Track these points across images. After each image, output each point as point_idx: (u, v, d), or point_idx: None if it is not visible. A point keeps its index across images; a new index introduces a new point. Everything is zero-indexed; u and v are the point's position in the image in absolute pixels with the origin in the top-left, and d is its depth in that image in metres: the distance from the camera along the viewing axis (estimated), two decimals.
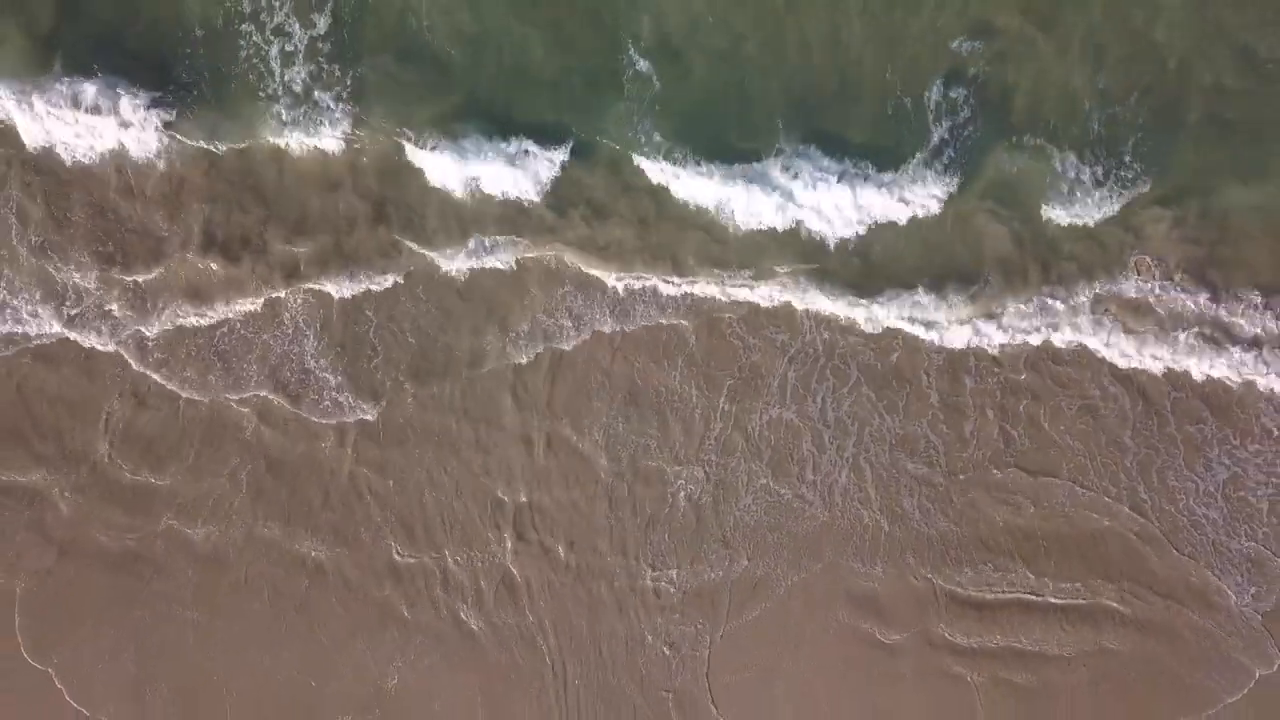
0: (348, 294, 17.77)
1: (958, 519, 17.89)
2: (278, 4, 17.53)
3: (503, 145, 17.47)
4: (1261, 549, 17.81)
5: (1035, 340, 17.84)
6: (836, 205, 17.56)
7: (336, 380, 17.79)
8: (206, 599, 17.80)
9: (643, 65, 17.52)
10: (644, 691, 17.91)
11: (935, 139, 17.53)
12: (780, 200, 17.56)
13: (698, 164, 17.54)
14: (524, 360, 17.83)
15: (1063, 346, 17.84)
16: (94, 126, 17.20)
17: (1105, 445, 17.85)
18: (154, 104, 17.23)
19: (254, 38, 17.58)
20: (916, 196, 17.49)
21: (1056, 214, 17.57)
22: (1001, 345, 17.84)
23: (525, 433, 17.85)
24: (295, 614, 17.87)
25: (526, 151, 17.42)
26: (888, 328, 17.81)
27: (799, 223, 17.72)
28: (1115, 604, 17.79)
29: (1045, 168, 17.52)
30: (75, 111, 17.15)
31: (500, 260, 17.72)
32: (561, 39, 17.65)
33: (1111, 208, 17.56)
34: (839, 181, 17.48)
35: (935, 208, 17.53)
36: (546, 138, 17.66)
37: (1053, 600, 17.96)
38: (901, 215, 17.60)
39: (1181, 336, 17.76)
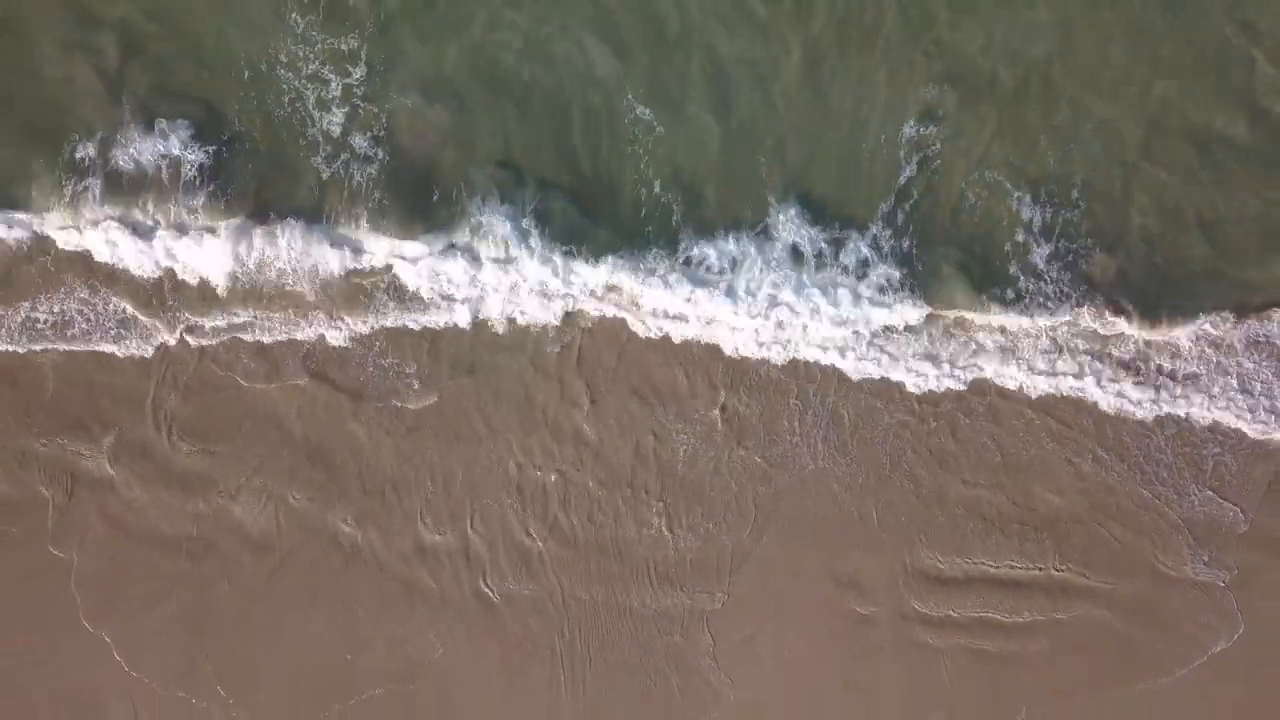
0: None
1: (927, 503, 20.06)
2: None
3: None
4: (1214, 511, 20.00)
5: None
6: None
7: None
8: (252, 578, 19.81)
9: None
10: (647, 658, 19.97)
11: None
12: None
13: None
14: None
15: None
16: None
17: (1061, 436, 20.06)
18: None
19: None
20: None
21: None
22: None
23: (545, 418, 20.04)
24: (332, 591, 19.90)
25: None
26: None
27: None
28: (1073, 577, 19.91)
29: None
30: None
31: None
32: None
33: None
34: None
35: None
36: None
37: (1014, 575, 20.09)
38: None
39: None
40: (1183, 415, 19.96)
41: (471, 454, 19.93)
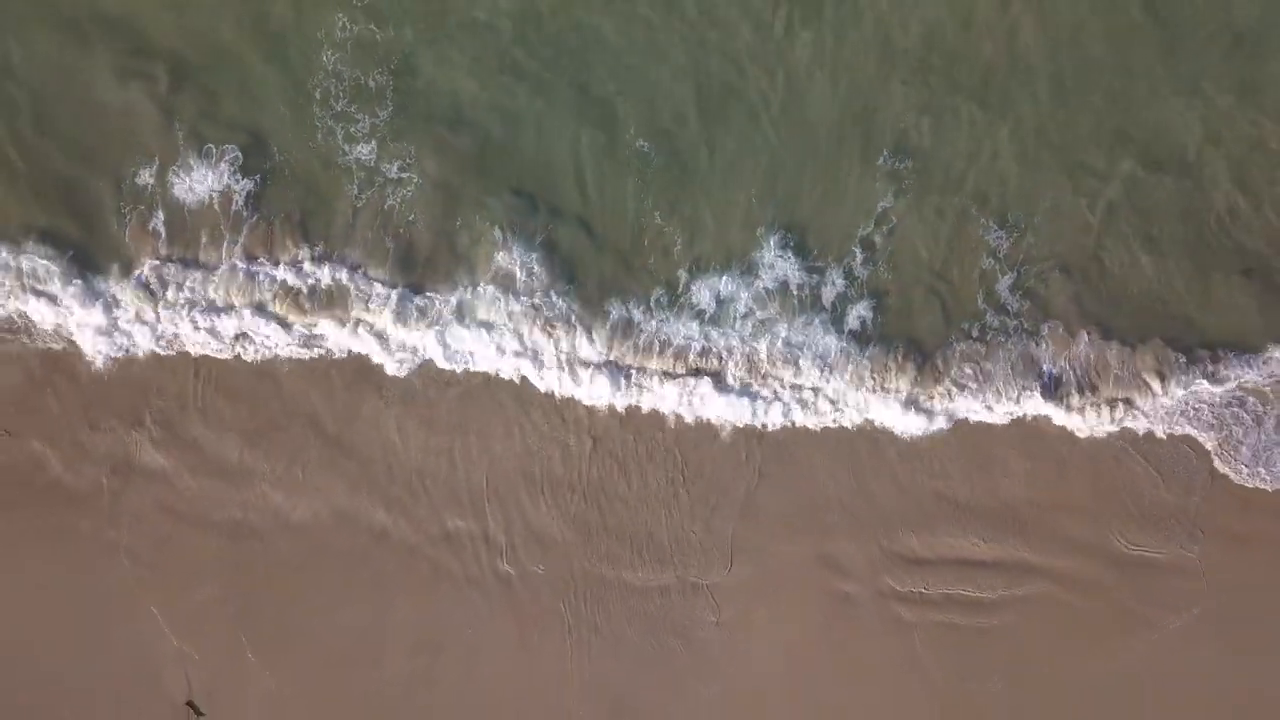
0: None
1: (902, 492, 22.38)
2: None
3: None
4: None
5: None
6: None
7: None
8: (291, 560, 21.94)
9: None
10: (652, 631, 22.17)
11: None
12: None
13: None
14: None
15: None
16: None
17: None
18: None
19: None
20: None
21: None
22: None
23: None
24: (365, 573, 22.04)
25: None
26: None
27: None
28: (1035, 559, 22.21)
29: None
30: None
31: None
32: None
33: None
34: None
35: None
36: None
37: (982, 557, 22.36)
38: None
39: None
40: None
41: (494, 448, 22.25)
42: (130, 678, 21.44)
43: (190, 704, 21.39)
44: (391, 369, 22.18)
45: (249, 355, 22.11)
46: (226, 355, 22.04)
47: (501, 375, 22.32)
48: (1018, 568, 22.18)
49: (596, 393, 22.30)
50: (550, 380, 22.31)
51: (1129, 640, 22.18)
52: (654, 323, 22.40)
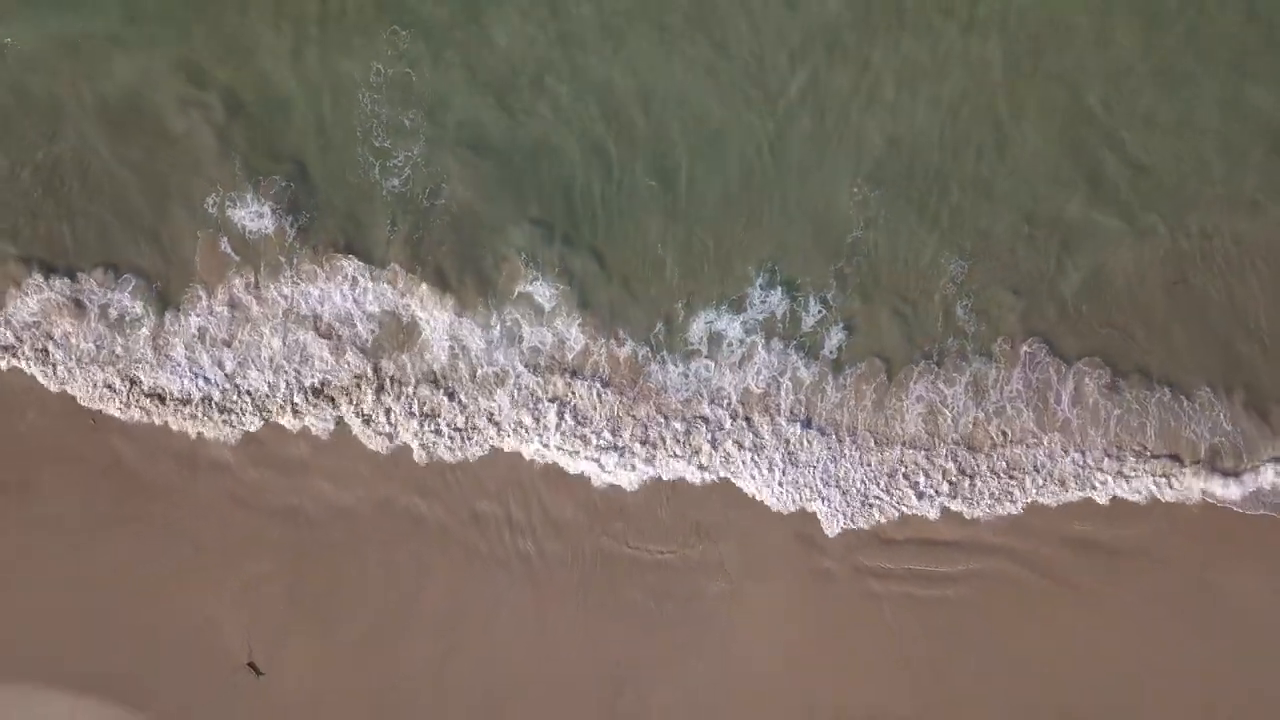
0: None
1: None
2: None
3: None
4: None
5: None
6: None
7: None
8: (339, 543, 25.10)
9: None
10: (656, 601, 25.30)
11: None
12: None
13: None
14: None
15: None
16: None
17: None
18: None
19: None
20: None
21: None
22: None
23: None
24: (406, 554, 25.21)
25: None
26: None
27: None
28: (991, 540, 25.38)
29: None
30: None
31: None
32: None
33: None
34: None
35: None
36: None
37: (945, 538, 25.49)
38: None
39: None
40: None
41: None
42: (198, 643, 24.56)
43: (251, 664, 24.51)
44: None
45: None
46: None
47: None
48: (974, 547, 25.31)
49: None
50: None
51: (1075, 612, 25.26)
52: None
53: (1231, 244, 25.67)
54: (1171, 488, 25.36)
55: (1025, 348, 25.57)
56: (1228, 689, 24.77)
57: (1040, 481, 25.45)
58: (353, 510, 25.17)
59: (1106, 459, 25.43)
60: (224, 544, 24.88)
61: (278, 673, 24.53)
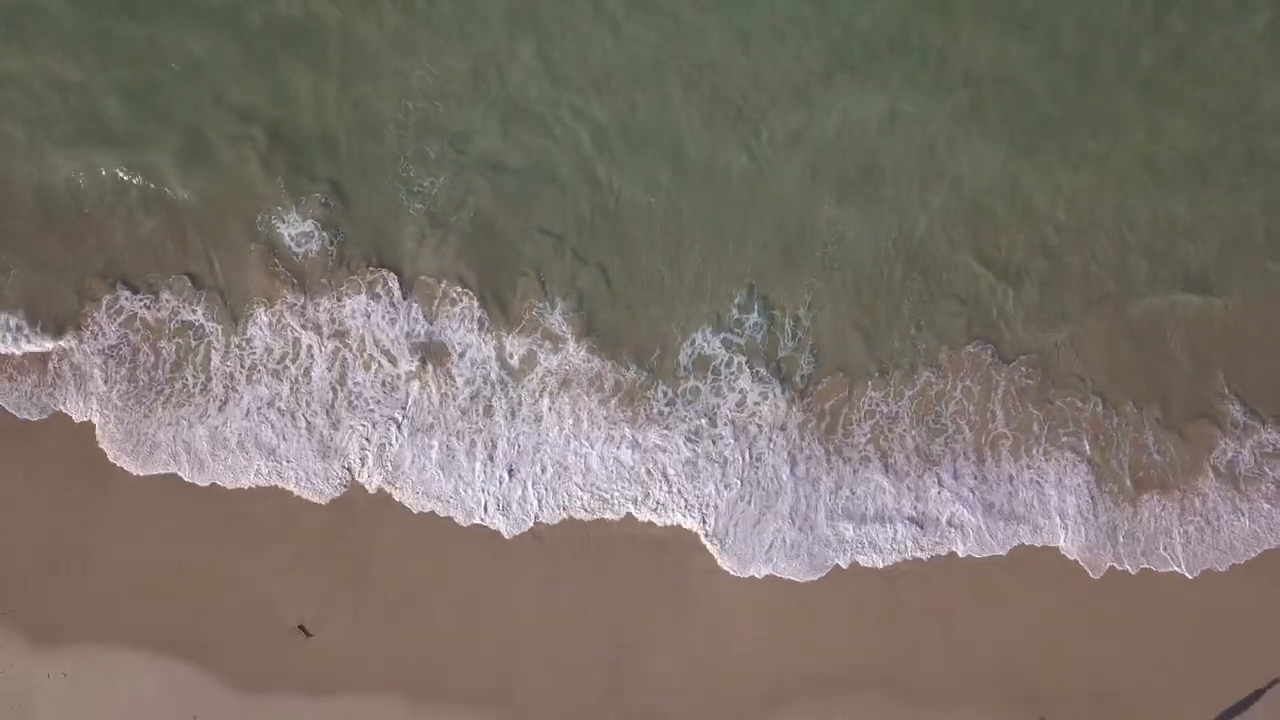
0: None
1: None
2: None
3: None
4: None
5: None
6: None
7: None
8: (374, 522, 28.91)
9: None
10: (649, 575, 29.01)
11: None
12: None
13: None
14: None
15: None
16: None
17: None
18: None
19: None
20: None
21: None
22: None
23: None
24: (431, 530, 29.00)
25: None
26: None
27: None
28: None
29: None
30: None
31: None
32: None
33: None
34: None
35: None
36: None
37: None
38: None
39: None
40: None
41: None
42: (255, 610, 28.38)
43: (301, 627, 28.35)
44: None
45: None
46: None
47: None
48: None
49: None
50: None
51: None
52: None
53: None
54: None
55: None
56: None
57: None
58: (386, 495, 28.99)
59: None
60: (276, 526, 28.72)
61: (324, 634, 28.38)
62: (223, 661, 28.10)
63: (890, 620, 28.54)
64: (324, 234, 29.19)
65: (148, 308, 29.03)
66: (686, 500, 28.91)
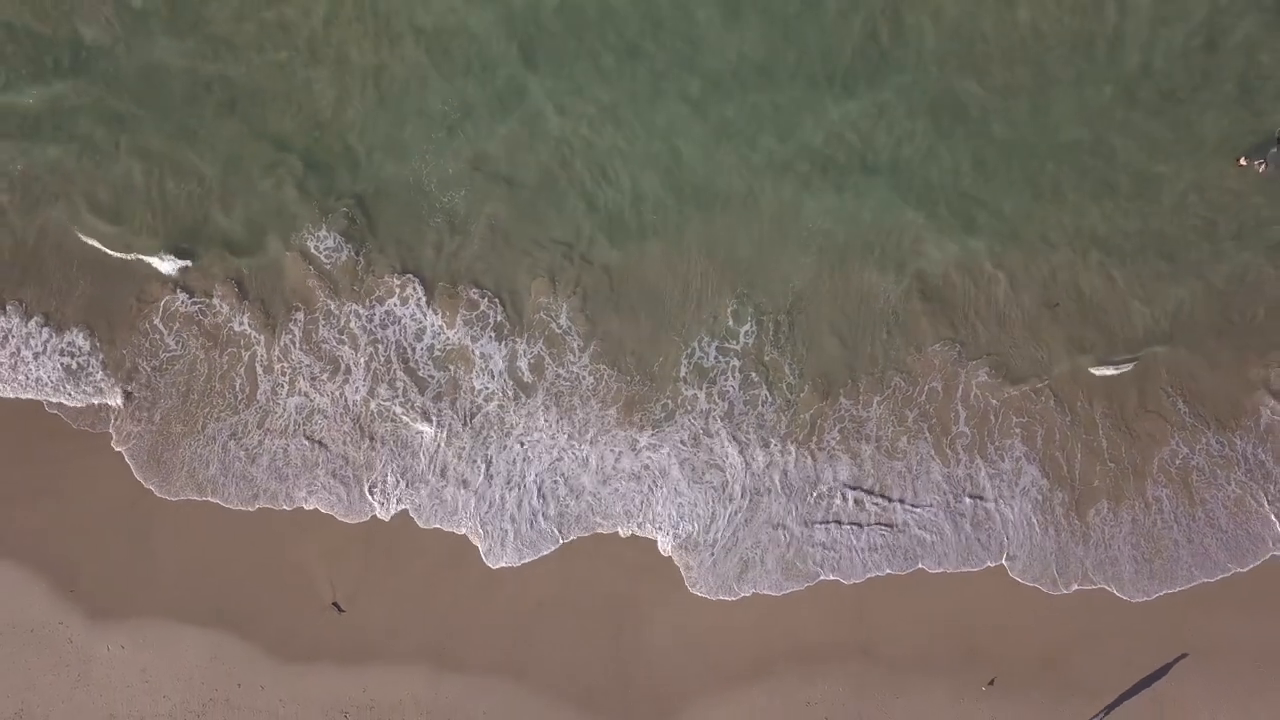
0: None
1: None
2: None
3: None
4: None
5: None
6: None
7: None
8: (407, 523, 32.00)
9: None
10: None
11: None
12: None
13: None
14: None
15: None
16: None
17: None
18: None
19: None
20: None
21: None
22: None
23: None
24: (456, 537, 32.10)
25: None
26: None
27: None
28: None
29: None
30: None
31: None
32: None
33: None
34: None
35: None
36: None
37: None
38: None
39: None
40: None
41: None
42: (294, 587, 31.47)
43: (335, 603, 31.46)
44: None
45: None
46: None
47: None
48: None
49: None
50: None
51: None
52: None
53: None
54: None
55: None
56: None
57: None
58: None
59: None
60: (314, 513, 31.78)
61: (356, 610, 31.49)
62: (265, 634, 31.20)
63: (864, 598, 31.74)
64: (350, 246, 32.11)
65: (202, 313, 32.15)
66: (681, 513, 31.99)
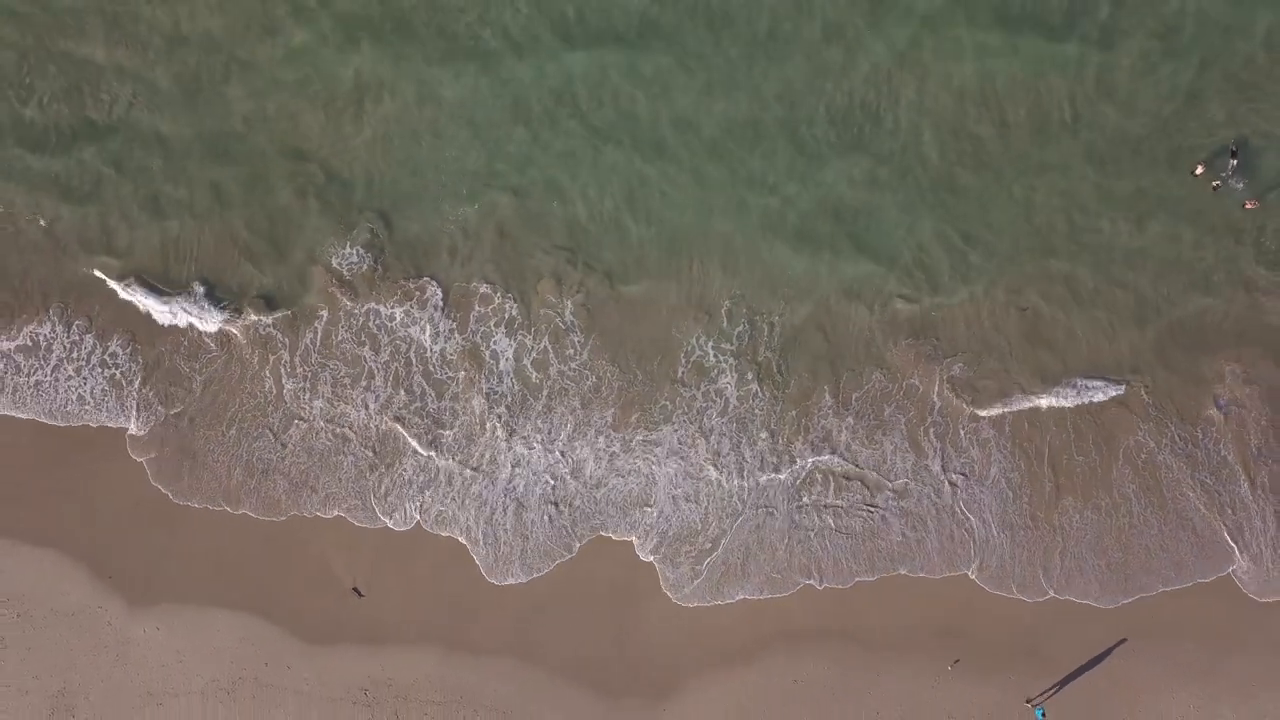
0: None
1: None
2: None
3: None
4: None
5: None
6: None
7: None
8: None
9: None
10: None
11: None
12: None
13: None
14: None
15: None
16: None
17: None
18: None
19: None
20: None
21: None
22: None
23: None
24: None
25: None
26: None
27: None
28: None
29: None
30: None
31: None
32: None
33: None
34: None
35: None
36: None
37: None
38: None
39: None
40: None
41: None
42: (317, 574, 33.85)
43: (355, 589, 33.80)
44: None
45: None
46: None
47: None
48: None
49: None
50: None
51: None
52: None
53: None
54: None
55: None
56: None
57: None
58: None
59: None
60: (331, 490, 34.20)
61: (374, 595, 33.85)
62: (290, 617, 33.64)
63: (845, 588, 34.06)
64: (370, 254, 34.46)
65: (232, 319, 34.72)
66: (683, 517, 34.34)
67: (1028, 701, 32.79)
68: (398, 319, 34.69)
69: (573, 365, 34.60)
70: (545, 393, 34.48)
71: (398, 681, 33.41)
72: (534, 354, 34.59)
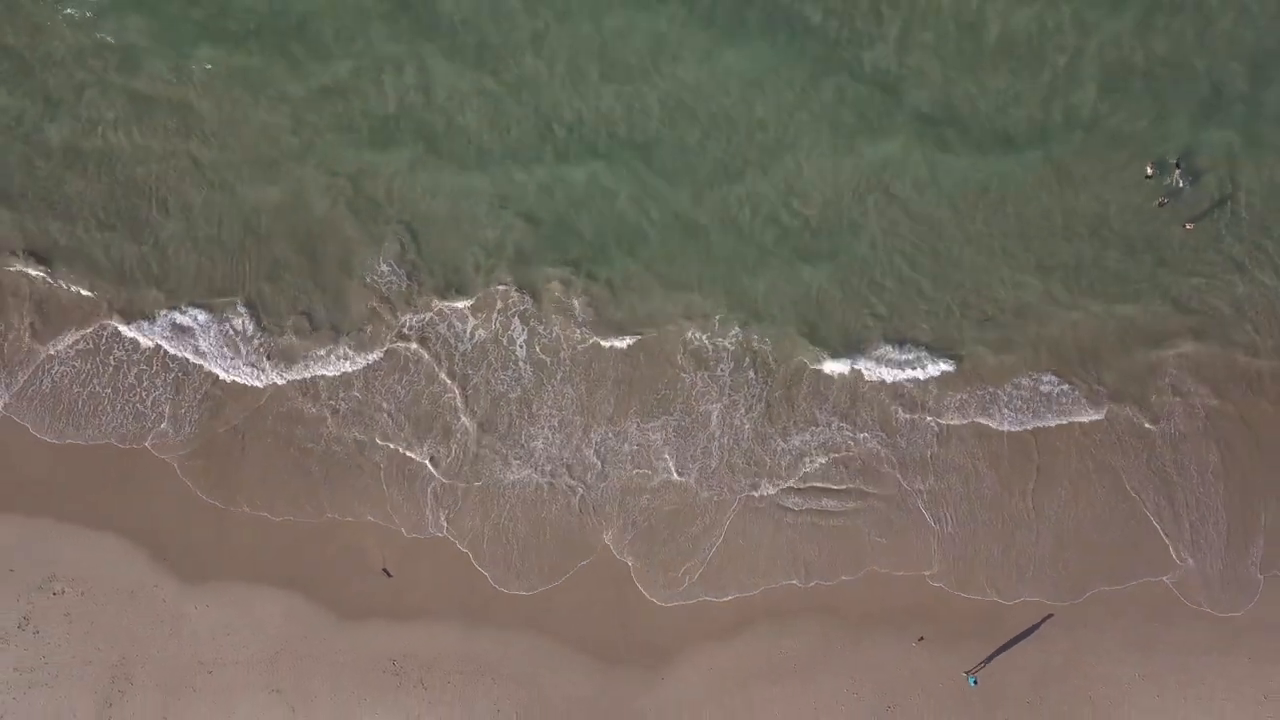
0: None
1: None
2: None
3: None
4: None
5: None
6: None
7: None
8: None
9: None
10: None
11: None
12: None
13: None
14: None
15: None
16: None
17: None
18: None
19: None
20: None
21: None
22: None
23: None
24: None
25: None
26: None
27: None
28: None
29: None
30: None
31: None
32: None
33: None
34: None
35: None
36: None
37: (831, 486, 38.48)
38: None
39: None
40: None
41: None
42: (350, 556, 37.51)
43: (385, 569, 37.48)
44: None
45: None
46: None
47: None
48: (849, 493, 38.40)
49: None
50: None
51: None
52: None
53: None
54: None
55: None
56: None
57: None
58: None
59: None
60: (363, 494, 37.91)
61: (402, 575, 37.52)
62: (327, 595, 37.26)
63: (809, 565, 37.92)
64: (401, 269, 38.49)
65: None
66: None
67: (965, 673, 36.47)
68: (428, 325, 38.70)
69: (578, 349, 38.81)
70: (559, 376, 38.63)
71: (423, 654, 36.96)
72: (545, 339, 38.86)
